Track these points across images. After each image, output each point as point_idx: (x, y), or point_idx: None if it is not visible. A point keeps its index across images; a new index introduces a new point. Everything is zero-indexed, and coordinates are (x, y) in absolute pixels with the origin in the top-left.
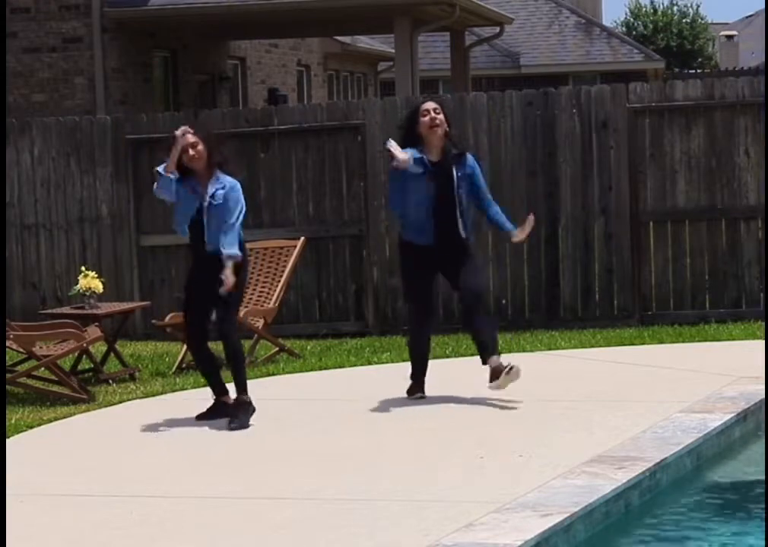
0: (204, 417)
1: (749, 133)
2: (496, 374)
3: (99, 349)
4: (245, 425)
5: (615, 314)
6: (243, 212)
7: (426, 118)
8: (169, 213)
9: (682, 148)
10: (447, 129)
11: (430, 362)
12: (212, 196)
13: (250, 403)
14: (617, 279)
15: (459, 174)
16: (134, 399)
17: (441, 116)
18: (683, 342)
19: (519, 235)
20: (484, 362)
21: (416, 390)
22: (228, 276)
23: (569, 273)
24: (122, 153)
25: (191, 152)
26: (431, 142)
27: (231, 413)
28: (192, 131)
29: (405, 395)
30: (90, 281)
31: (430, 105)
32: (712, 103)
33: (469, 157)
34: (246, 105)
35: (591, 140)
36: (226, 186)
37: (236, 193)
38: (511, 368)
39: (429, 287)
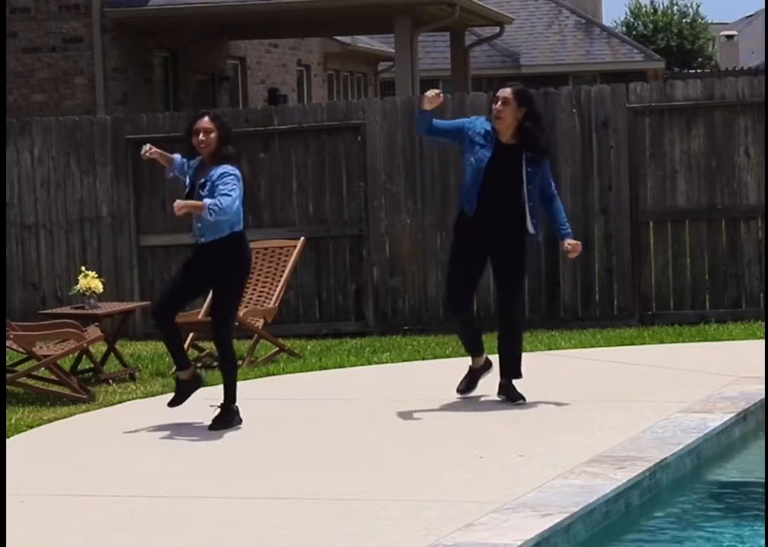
0: (175, 403)
1: (749, 133)
2: (513, 395)
3: (99, 349)
4: (224, 428)
5: (615, 314)
6: (238, 192)
7: (495, 105)
8: (168, 213)
9: (682, 148)
10: (518, 117)
11: (430, 362)
12: (201, 185)
13: (237, 412)
14: (617, 279)
15: (529, 169)
16: (134, 399)
17: (509, 107)
18: (683, 342)
19: (571, 250)
20: (504, 378)
21: (477, 372)
22: (184, 204)
23: (569, 273)
24: (122, 153)
25: (201, 136)
26: (499, 130)
27: (217, 417)
28: (209, 117)
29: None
30: (90, 281)
31: (502, 93)
32: (712, 103)
33: (545, 161)
34: (246, 105)
35: (591, 140)
36: (214, 174)
37: (225, 177)
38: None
39: (469, 277)
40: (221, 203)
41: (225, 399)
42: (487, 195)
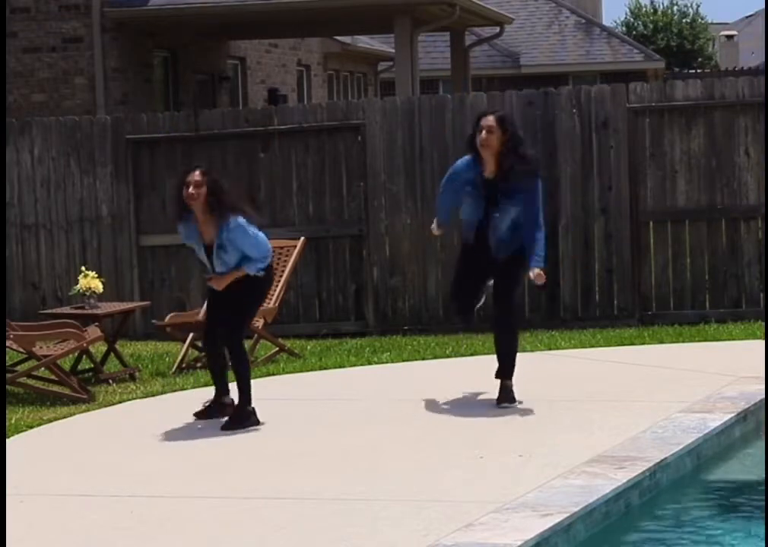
0: (201, 416)
1: (749, 133)
2: (500, 396)
3: (99, 349)
4: (236, 429)
5: (615, 314)
6: (258, 239)
7: (481, 135)
8: (168, 213)
9: (682, 148)
10: (502, 144)
11: (430, 362)
12: (219, 245)
13: (253, 413)
14: (617, 279)
15: (503, 203)
16: (134, 399)
17: (494, 135)
18: (683, 342)
19: (536, 278)
20: (497, 378)
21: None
22: (222, 278)
23: (569, 273)
24: (122, 153)
25: (191, 190)
26: (485, 157)
27: (230, 417)
28: (200, 171)
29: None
30: (90, 281)
31: (486, 121)
32: (712, 103)
33: (523, 183)
34: (246, 105)
35: (591, 140)
36: (224, 231)
37: (235, 232)
38: (503, 406)
39: (467, 283)
40: (259, 259)
41: (239, 400)
42: (484, 232)
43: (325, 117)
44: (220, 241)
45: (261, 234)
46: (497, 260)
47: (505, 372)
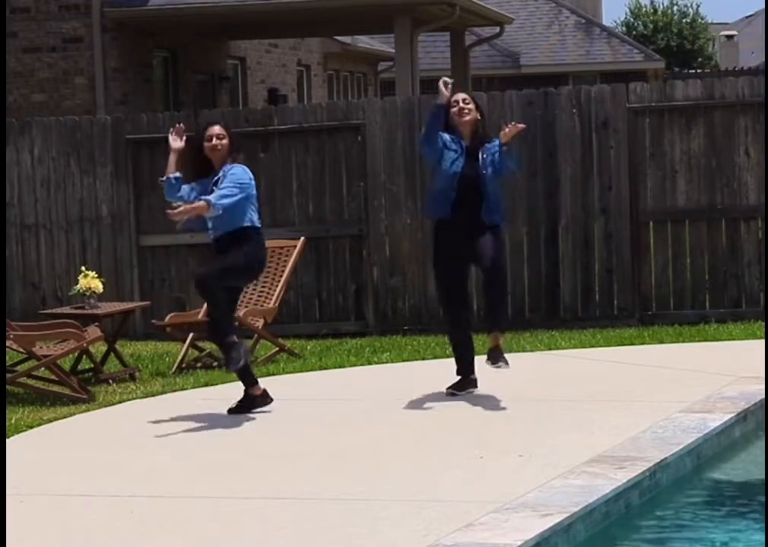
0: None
1: (749, 133)
2: (493, 356)
3: (99, 349)
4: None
5: (615, 314)
6: (245, 187)
7: (455, 109)
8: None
9: (682, 148)
10: (478, 116)
11: (430, 362)
12: (215, 183)
13: (255, 397)
14: (617, 279)
15: (485, 156)
16: (134, 399)
17: (470, 105)
18: (683, 342)
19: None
20: (489, 333)
21: (465, 385)
22: (182, 209)
23: (569, 273)
24: (122, 153)
25: (215, 141)
26: (463, 129)
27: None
28: (220, 126)
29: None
30: (90, 281)
31: (458, 96)
32: (712, 103)
33: (495, 140)
34: (246, 105)
35: (591, 140)
36: (224, 171)
37: (233, 174)
38: (498, 365)
39: (459, 276)
40: (225, 192)
41: (244, 387)
42: (461, 198)
43: (325, 117)
44: (217, 178)
45: (247, 180)
46: (481, 225)
47: (500, 320)
